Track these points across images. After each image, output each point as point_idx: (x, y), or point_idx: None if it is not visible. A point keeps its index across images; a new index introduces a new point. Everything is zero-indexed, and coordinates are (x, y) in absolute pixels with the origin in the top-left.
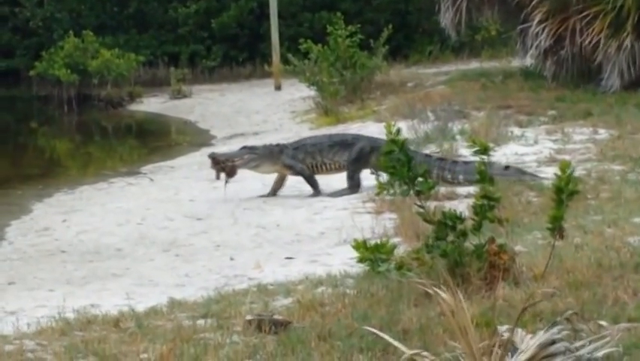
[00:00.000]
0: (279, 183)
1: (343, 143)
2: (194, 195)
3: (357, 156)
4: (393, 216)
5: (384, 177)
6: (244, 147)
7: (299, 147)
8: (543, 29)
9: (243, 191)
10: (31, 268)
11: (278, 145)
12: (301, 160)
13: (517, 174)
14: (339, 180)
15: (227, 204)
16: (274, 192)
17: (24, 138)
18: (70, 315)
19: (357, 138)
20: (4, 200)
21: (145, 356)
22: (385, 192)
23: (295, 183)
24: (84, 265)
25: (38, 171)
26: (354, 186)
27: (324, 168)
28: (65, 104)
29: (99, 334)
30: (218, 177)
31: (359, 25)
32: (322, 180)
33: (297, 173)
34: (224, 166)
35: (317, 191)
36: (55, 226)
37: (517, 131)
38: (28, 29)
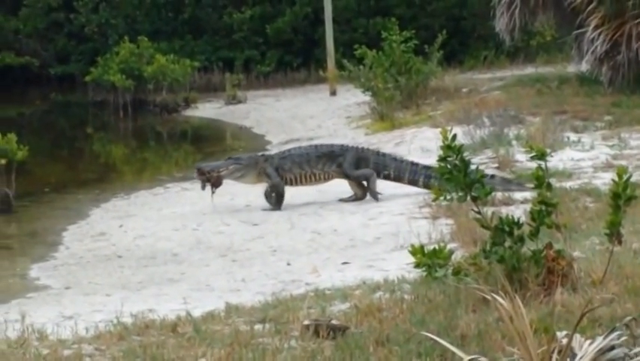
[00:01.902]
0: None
1: (331, 154)
2: (249, 201)
3: (352, 164)
4: (450, 221)
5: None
6: (229, 158)
7: (286, 157)
8: (599, 35)
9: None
10: (87, 273)
11: (263, 155)
12: (288, 170)
13: (502, 183)
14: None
15: (284, 209)
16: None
17: (80, 144)
18: (128, 320)
19: (345, 148)
20: (61, 205)
21: (203, 360)
22: (442, 197)
23: (349, 188)
24: (140, 270)
25: (94, 176)
26: (374, 193)
27: (312, 178)
28: (121, 109)
29: (157, 339)
30: (203, 188)
31: (414, 31)
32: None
33: (272, 184)
34: (210, 177)
35: (278, 207)
36: (112, 231)
37: (573, 136)
38: (84, 35)
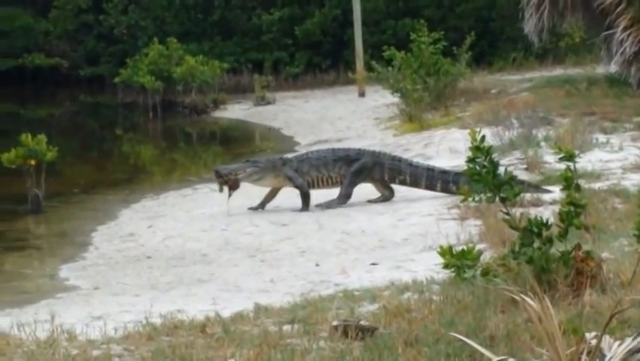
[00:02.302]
0: (271, 197)
1: (347, 158)
2: (278, 202)
3: (358, 169)
4: (478, 222)
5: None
6: (247, 161)
7: (304, 160)
8: (628, 36)
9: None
10: (116, 274)
11: (281, 158)
12: (306, 173)
13: (518, 184)
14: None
15: (312, 210)
16: (263, 205)
17: (109, 145)
18: (157, 320)
19: (361, 153)
20: (91, 205)
21: None
22: (470, 198)
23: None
24: (169, 271)
25: (124, 177)
26: (345, 197)
27: (329, 181)
28: (150, 110)
29: (186, 339)
30: (221, 190)
31: (442, 32)
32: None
33: (296, 186)
34: (227, 180)
35: (306, 207)
36: (141, 232)
37: (602, 138)
38: (113, 37)
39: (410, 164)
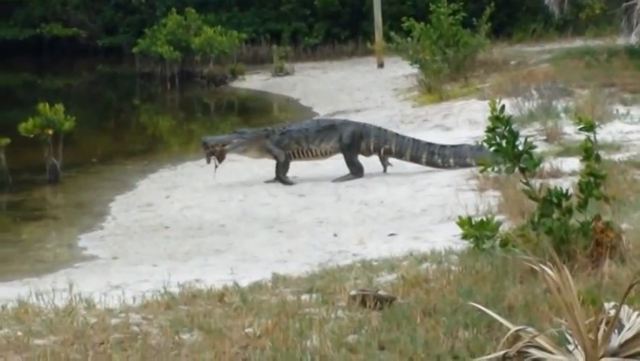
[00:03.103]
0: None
1: (330, 129)
2: (296, 172)
3: (350, 141)
4: (497, 193)
5: None
6: (234, 132)
7: (285, 133)
8: None
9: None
10: (134, 243)
11: (266, 130)
12: (286, 146)
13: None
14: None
15: (329, 181)
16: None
17: (127, 115)
18: (175, 289)
19: (345, 123)
20: (109, 175)
21: (250, 330)
22: (489, 169)
23: (398, 161)
24: (187, 241)
25: (141, 148)
26: (356, 170)
27: (309, 153)
28: (168, 81)
29: (204, 308)
30: (208, 162)
31: (462, 3)
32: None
33: (273, 157)
34: (214, 150)
35: (282, 179)
36: (159, 202)
37: (622, 109)
38: (131, 7)
39: (396, 135)
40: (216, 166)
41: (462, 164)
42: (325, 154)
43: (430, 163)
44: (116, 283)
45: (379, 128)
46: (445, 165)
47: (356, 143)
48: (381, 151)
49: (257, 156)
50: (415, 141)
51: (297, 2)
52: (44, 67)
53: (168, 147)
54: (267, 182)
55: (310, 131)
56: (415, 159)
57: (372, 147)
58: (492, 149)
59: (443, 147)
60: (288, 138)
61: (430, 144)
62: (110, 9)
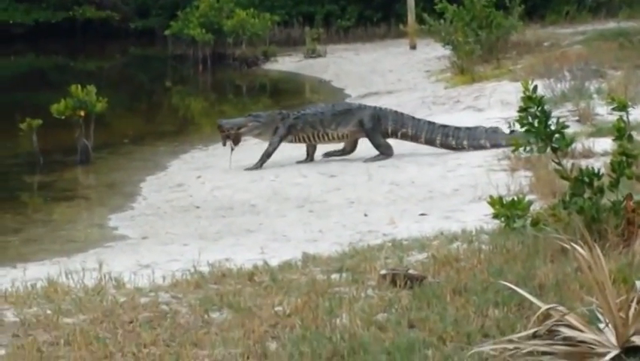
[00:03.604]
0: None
1: (347, 113)
2: (328, 152)
3: (372, 124)
4: (529, 173)
5: None
6: (249, 115)
7: (299, 117)
8: None
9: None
10: (164, 223)
11: (281, 113)
12: (300, 129)
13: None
14: None
15: (360, 161)
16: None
17: (159, 97)
18: (205, 268)
19: (362, 107)
20: (140, 156)
21: (279, 308)
22: (521, 149)
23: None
24: (218, 221)
25: (173, 129)
26: (385, 149)
27: (325, 137)
28: (200, 63)
29: (234, 287)
30: (224, 145)
31: None
32: None
33: (270, 141)
34: (230, 134)
35: (259, 165)
36: (190, 182)
37: None
38: None
39: (412, 118)
40: (232, 149)
41: (476, 146)
42: (342, 138)
43: (445, 145)
44: (146, 262)
45: (396, 112)
46: (459, 147)
47: (377, 124)
48: (399, 134)
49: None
50: (430, 124)
51: None
52: (77, 49)
53: (200, 129)
54: (299, 162)
55: (326, 115)
56: (429, 142)
57: (389, 130)
58: (524, 129)
59: (457, 129)
60: (303, 122)
61: (444, 127)
62: None
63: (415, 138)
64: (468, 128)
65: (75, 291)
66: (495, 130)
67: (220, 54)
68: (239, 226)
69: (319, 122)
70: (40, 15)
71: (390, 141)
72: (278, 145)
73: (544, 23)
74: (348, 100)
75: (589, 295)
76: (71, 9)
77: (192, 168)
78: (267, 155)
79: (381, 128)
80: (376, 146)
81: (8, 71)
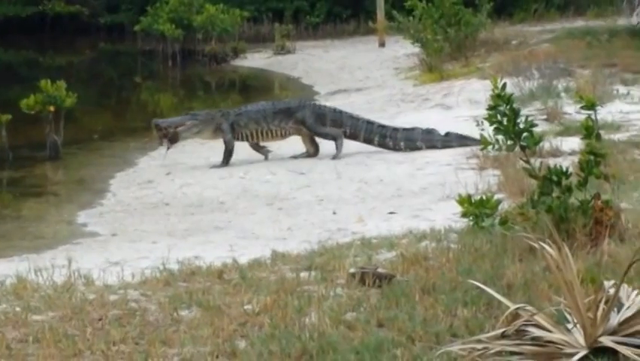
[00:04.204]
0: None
1: (288, 110)
2: (296, 150)
3: (312, 119)
4: (497, 172)
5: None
6: (187, 114)
7: (242, 113)
8: None
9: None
10: (134, 220)
11: (220, 111)
12: (244, 126)
13: (458, 139)
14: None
15: (330, 160)
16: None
17: (128, 92)
18: (174, 266)
19: (302, 105)
20: (109, 152)
21: (249, 307)
22: (490, 147)
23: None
24: (187, 218)
25: (142, 125)
26: (337, 134)
27: (269, 134)
28: (169, 58)
29: (203, 285)
30: (161, 144)
31: None
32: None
33: (223, 140)
34: (167, 132)
35: (225, 163)
36: (159, 179)
37: (622, 89)
38: None
39: (351, 116)
40: (168, 148)
41: (412, 147)
42: (284, 135)
43: (382, 145)
44: (115, 259)
45: (334, 110)
46: (396, 148)
47: (317, 119)
48: None
49: (212, 137)
50: (369, 123)
51: None
52: (46, 44)
53: None
54: (267, 160)
55: (268, 112)
56: (367, 141)
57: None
58: (493, 127)
59: (395, 129)
60: (247, 118)
61: (382, 127)
62: None
63: (353, 137)
64: (405, 130)
65: (44, 288)
66: (430, 132)
67: (190, 50)
68: (208, 223)
69: (263, 118)
70: (10, 10)
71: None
72: (233, 140)
73: (512, 21)
74: (317, 97)
75: (557, 295)
76: (41, 3)
77: (162, 164)
78: (227, 153)
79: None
80: (325, 136)
81: None
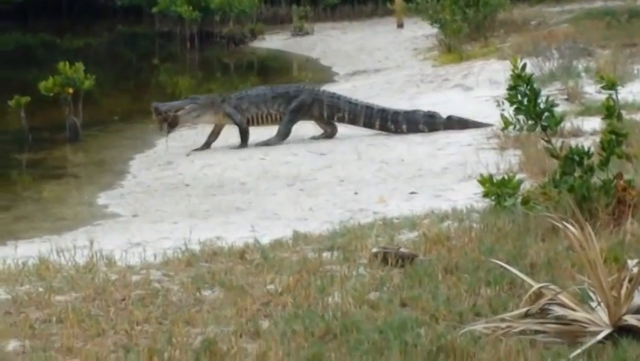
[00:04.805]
0: (215, 135)
1: (286, 95)
2: (317, 131)
3: (297, 107)
4: (518, 152)
5: None
6: (187, 98)
7: (243, 97)
8: None
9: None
10: (154, 201)
11: (220, 95)
12: (245, 110)
13: (459, 122)
14: None
15: (351, 140)
16: (208, 144)
17: (146, 74)
18: (196, 247)
19: (300, 90)
20: (129, 134)
21: (271, 287)
22: (511, 127)
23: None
24: (208, 199)
25: None
26: (283, 134)
27: (269, 118)
28: (187, 40)
29: (225, 265)
30: (161, 129)
31: None
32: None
33: (235, 123)
34: (167, 117)
35: (245, 144)
36: (179, 160)
37: None
38: None
39: (349, 101)
40: (168, 133)
41: (414, 130)
42: (282, 119)
43: (383, 129)
44: (137, 240)
45: (333, 95)
46: (398, 131)
47: (303, 110)
48: (335, 118)
49: (211, 121)
50: (369, 107)
51: None
52: (63, 27)
53: None
54: (195, 150)
55: (267, 96)
56: (368, 125)
57: (325, 114)
58: (514, 107)
59: (396, 112)
60: (247, 102)
61: (383, 110)
62: None
63: (352, 121)
64: (406, 112)
65: (66, 269)
66: (432, 115)
67: (207, 32)
68: (229, 204)
69: (263, 102)
70: None
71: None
72: (244, 120)
73: (531, 2)
74: (336, 78)
75: (580, 274)
76: None
77: (182, 145)
78: (243, 132)
79: (317, 111)
80: (282, 127)
81: None
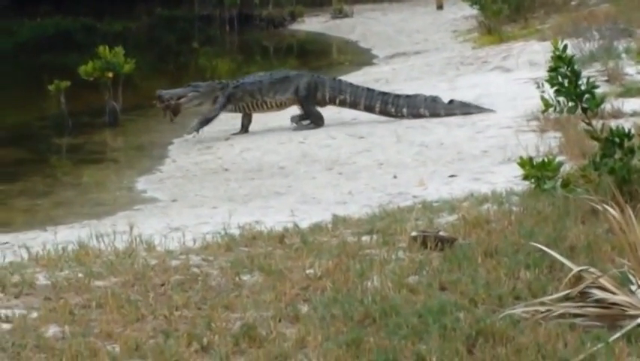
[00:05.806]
0: (247, 118)
1: (285, 80)
2: (356, 114)
3: (306, 92)
4: (558, 134)
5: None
6: (189, 85)
7: (238, 86)
8: None
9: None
10: (193, 186)
11: (221, 82)
12: (239, 98)
13: (461, 107)
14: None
15: (390, 123)
16: (245, 128)
17: (186, 58)
18: (235, 231)
19: (299, 75)
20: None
21: (311, 271)
22: (551, 109)
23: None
24: (247, 183)
25: None
26: (316, 119)
27: (264, 106)
28: (226, 23)
29: (264, 250)
30: (164, 116)
31: None
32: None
33: (211, 109)
34: (169, 104)
35: (197, 129)
36: (218, 145)
37: None
38: None
39: (350, 84)
40: (172, 120)
41: (415, 114)
42: (280, 106)
43: (384, 112)
44: (176, 225)
45: (334, 79)
46: (399, 115)
47: (312, 93)
48: (337, 101)
49: None
50: (370, 91)
51: None
52: (103, 11)
53: None
54: (233, 134)
55: (264, 83)
56: (368, 109)
57: (327, 98)
58: (554, 89)
59: (397, 96)
60: (242, 91)
61: (384, 94)
62: None
63: (353, 105)
64: (408, 96)
65: (106, 254)
66: (434, 99)
67: (247, 15)
68: (268, 188)
69: (258, 90)
70: None
71: (334, 108)
72: (218, 113)
73: None
74: (375, 60)
75: (620, 257)
76: None
77: (221, 130)
78: (205, 120)
79: (320, 95)
80: (307, 114)
81: (35, 33)
